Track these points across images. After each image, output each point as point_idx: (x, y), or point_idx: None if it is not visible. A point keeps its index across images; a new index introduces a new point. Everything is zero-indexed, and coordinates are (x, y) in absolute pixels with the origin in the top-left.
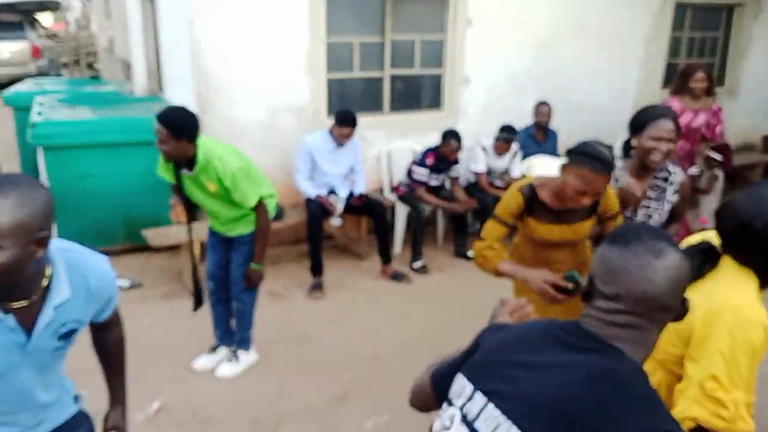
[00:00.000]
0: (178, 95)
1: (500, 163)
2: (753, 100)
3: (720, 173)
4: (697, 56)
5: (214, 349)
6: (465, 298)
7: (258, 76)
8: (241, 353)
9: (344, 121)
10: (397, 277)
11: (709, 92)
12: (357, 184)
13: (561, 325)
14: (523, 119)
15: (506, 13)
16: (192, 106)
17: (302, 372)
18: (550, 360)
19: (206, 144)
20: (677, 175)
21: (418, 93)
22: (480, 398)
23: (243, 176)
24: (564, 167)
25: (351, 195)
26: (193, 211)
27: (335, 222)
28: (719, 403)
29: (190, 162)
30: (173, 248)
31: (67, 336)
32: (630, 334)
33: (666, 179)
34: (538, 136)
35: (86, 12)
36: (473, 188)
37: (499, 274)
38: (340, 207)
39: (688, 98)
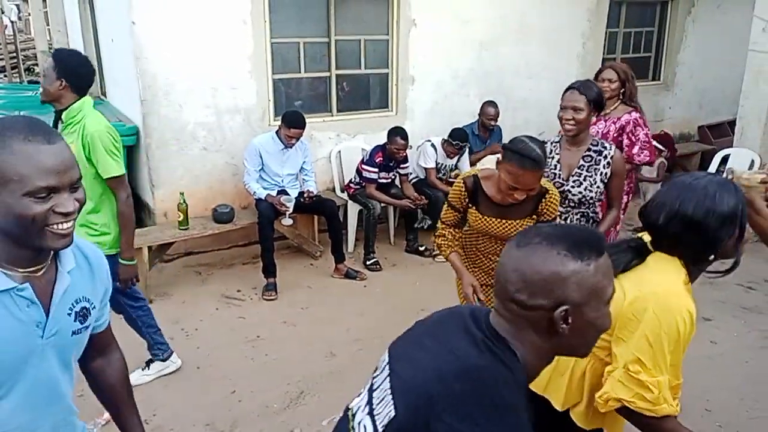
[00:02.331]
0: (121, 99)
1: (449, 161)
2: (687, 92)
3: (665, 161)
4: (633, 51)
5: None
6: (418, 292)
7: (203, 78)
8: (156, 361)
9: (292, 122)
10: (350, 275)
11: (623, 96)
12: (307, 184)
13: (476, 312)
14: (469, 118)
15: (449, 13)
16: (136, 110)
17: (257, 374)
18: (445, 345)
19: (86, 104)
20: (611, 151)
21: (367, 93)
22: (386, 371)
23: (107, 141)
24: (498, 162)
25: (302, 195)
26: None
27: (286, 222)
28: (643, 385)
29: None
30: None
31: (83, 316)
32: (509, 329)
33: (600, 152)
34: (483, 134)
35: (24, 15)
36: (423, 185)
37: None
38: (290, 207)
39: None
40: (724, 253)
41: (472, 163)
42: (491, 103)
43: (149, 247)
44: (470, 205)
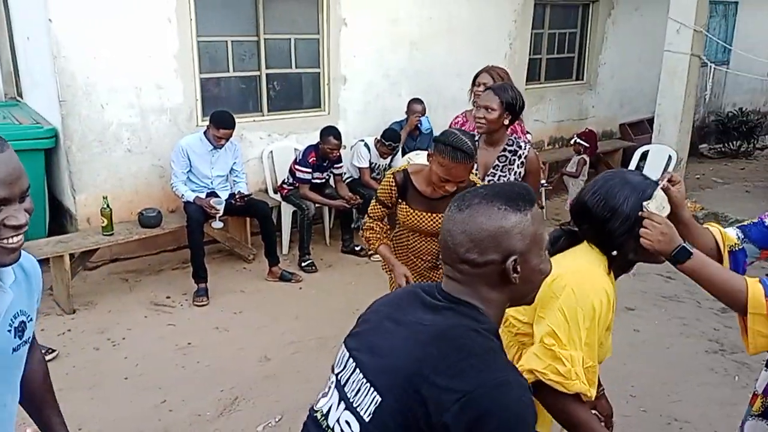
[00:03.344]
0: (38, 99)
1: (383, 161)
2: (609, 91)
3: (587, 158)
4: (558, 52)
5: None
6: (354, 292)
7: (127, 77)
8: None
9: (220, 122)
10: (285, 277)
11: None
12: (238, 185)
13: (425, 287)
14: (400, 117)
15: (379, 12)
16: (55, 111)
17: (188, 381)
18: (410, 321)
19: None
20: (526, 150)
21: (298, 92)
22: (351, 364)
23: None
24: (430, 155)
25: (232, 196)
26: None
27: (217, 225)
28: (556, 357)
29: None
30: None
31: (21, 331)
32: (464, 290)
33: (515, 152)
34: (413, 131)
35: None
36: (357, 184)
37: (377, 253)
38: (220, 209)
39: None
40: (626, 253)
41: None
42: (417, 101)
43: (71, 255)
44: (400, 201)
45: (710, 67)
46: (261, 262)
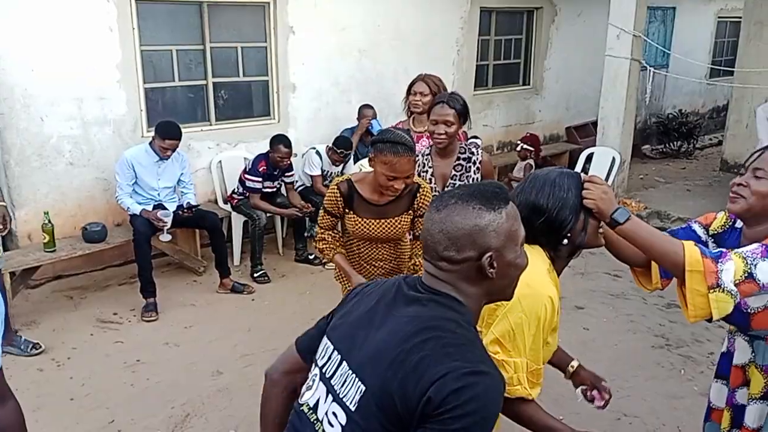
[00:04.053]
0: None
1: (335, 168)
2: (554, 96)
3: (533, 162)
4: (504, 58)
5: None
6: (309, 301)
7: (67, 88)
8: None
9: (166, 133)
10: (237, 289)
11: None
12: (186, 197)
13: (408, 279)
14: (351, 124)
15: (326, 20)
16: None
17: (137, 400)
18: (394, 314)
19: None
20: (479, 156)
21: (247, 101)
22: (336, 356)
23: None
24: (371, 159)
25: (180, 208)
26: None
27: (164, 238)
28: (499, 364)
29: None
30: None
31: None
32: (444, 285)
33: (469, 159)
34: (365, 137)
35: None
36: (309, 192)
37: (333, 263)
38: (168, 221)
39: (414, 119)
40: (574, 239)
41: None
42: (368, 106)
43: (12, 273)
44: (347, 210)
45: (650, 70)
46: (212, 274)
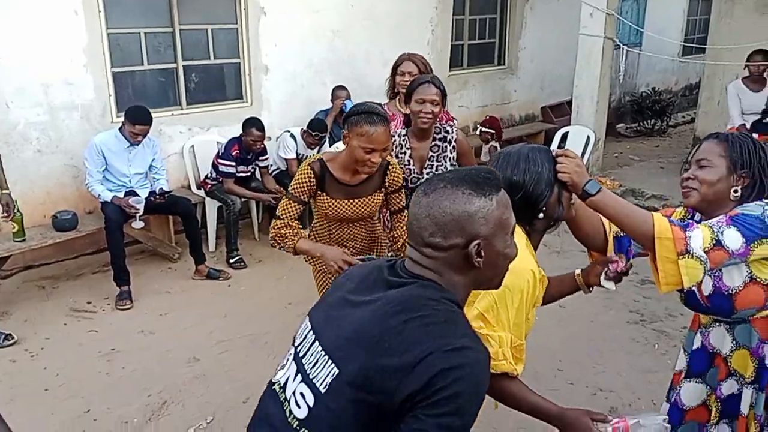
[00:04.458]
0: None
1: (310, 151)
2: (529, 76)
3: (497, 144)
4: (479, 38)
5: None
6: (285, 286)
7: (33, 74)
8: None
9: (136, 118)
10: (212, 275)
11: None
12: (158, 183)
13: (391, 263)
14: (326, 106)
15: (298, 1)
16: None
17: (113, 388)
18: (371, 297)
19: None
20: (454, 134)
21: (219, 84)
22: (311, 336)
23: None
24: (345, 135)
25: (153, 194)
26: None
27: (137, 225)
28: (484, 339)
29: None
30: None
31: None
32: (428, 272)
33: (444, 138)
34: (339, 119)
35: None
36: (284, 176)
37: (297, 252)
38: (140, 208)
39: (399, 100)
40: (550, 213)
41: None
42: (341, 87)
43: None
44: (319, 192)
45: (623, 49)
46: (187, 261)
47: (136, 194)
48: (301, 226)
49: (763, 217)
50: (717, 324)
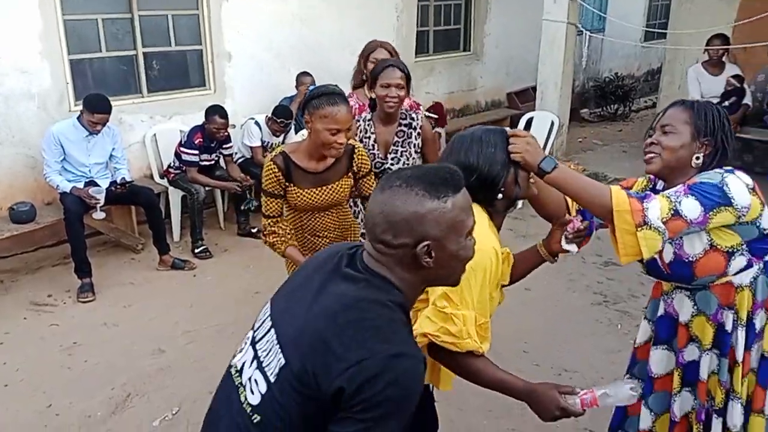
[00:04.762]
0: None
1: (275, 139)
2: (495, 62)
3: (441, 130)
4: (444, 24)
5: None
6: (253, 275)
7: None
8: None
9: (95, 106)
10: (177, 265)
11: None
12: (119, 172)
13: (351, 253)
14: (290, 93)
15: None
16: None
17: (75, 382)
18: (326, 290)
19: None
20: (419, 120)
21: (181, 71)
22: (268, 322)
23: None
24: (307, 121)
25: (114, 184)
26: None
27: (98, 216)
28: (448, 318)
29: None
30: None
31: None
32: (381, 267)
33: (410, 125)
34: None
35: None
36: (249, 164)
37: (285, 256)
38: (101, 199)
39: (369, 88)
40: (509, 193)
41: None
42: (305, 73)
43: None
44: (287, 184)
45: (586, 34)
46: (150, 251)
47: (96, 184)
48: (290, 228)
49: (722, 185)
50: (678, 290)
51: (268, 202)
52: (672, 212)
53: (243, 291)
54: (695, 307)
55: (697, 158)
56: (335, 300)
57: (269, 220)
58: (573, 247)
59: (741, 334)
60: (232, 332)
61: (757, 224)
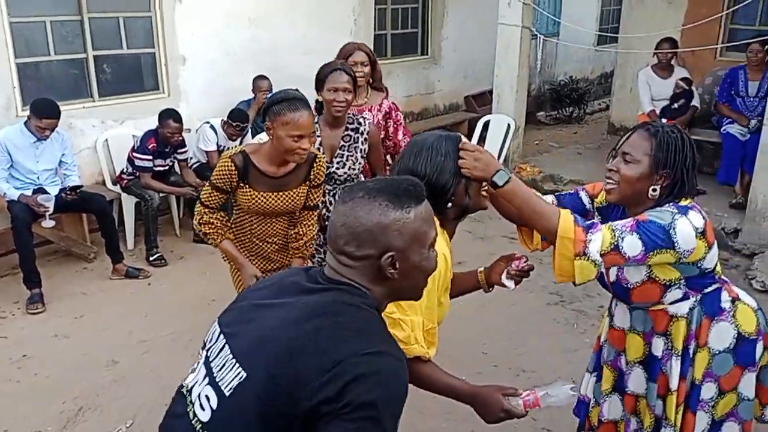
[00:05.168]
0: None
1: (232, 143)
2: (452, 65)
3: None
4: (402, 27)
5: None
6: (209, 282)
7: None
8: None
9: (42, 111)
10: (131, 274)
11: (373, 81)
12: (69, 179)
13: (309, 271)
14: (246, 96)
15: None
16: None
17: (25, 397)
18: (286, 301)
19: None
20: (366, 126)
21: (133, 75)
22: (221, 340)
23: None
24: (269, 127)
25: (64, 191)
26: None
27: (47, 224)
28: (395, 323)
29: None
30: None
31: None
32: (344, 279)
33: (357, 129)
34: (261, 110)
35: None
36: (205, 169)
37: (219, 248)
38: (50, 206)
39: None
40: (459, 202)
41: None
42: (262, 77)
43: None
44: (242, 185)
45: (539, 38)
46: (104, 260)
47: (45, 192)
48: (226, 218)
49: (669, 228)
50: (621, 302)
51: (212, 194)
52: (612, 246)
53: (199, 298)
54: (631, 322)
55: (654, 190)
56: (300, 309)
57: (207, 211)
58: (511, 284)
59: (675, 363)
60: (188, 340)
61: (699, 265)
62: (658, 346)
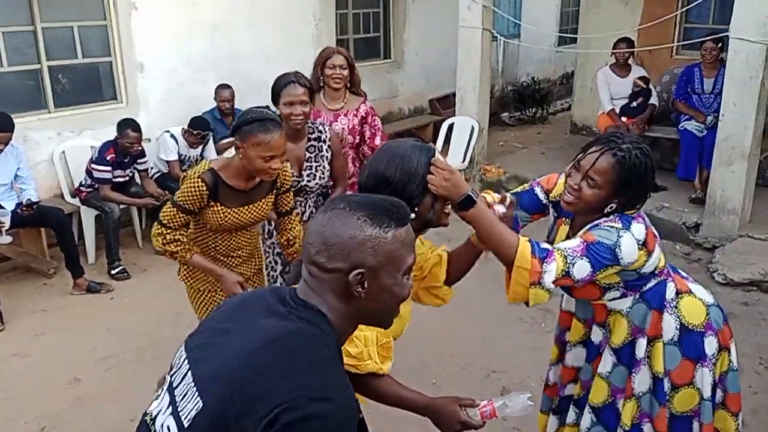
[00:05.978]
0: None
1: (193, 151)
2: (415, 69)
3: None
4: (364, 32)
5: None
6: (174, 295)
7: None
8: None
9: None
10: (93, 288)
11: (351, 86)
12: (26, 193)
13: (278, 291)
14: (207, 104)
15: None
16: None
17: None
18: (247, 326)
19: None
20: (327, 133)
21: (91, 85)
22: (185, 365)
23: None
24: (238, 146)
25: (20, 206)
26: None
27: (4, 240)
28: (348, 340)
29: None
30: None
31: None
32: (313, 293)
33: (319, 138)
34: (225, 119)
35: None
36: (166, 179)
37: (188, 264)
38: (6, 222)
39: (325, 95)
40: (423, 214)
41: (219, 151)
42: (225, 86)
43: None
44: (212, 203)
45: (500, 40)
46: (64, 275)
47: (1, 207)
48: (191, 234)
49: (614, 247)
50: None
51: (176, 215)
52: (564, 273)
53: (164, 312)
54: (575, 309)
55: (611, 207)
56: (258, 336)
57: (167, 230)
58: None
59: (607, 355)
60: (152, 356)
61: (638, 271)
62: (597, 334)
